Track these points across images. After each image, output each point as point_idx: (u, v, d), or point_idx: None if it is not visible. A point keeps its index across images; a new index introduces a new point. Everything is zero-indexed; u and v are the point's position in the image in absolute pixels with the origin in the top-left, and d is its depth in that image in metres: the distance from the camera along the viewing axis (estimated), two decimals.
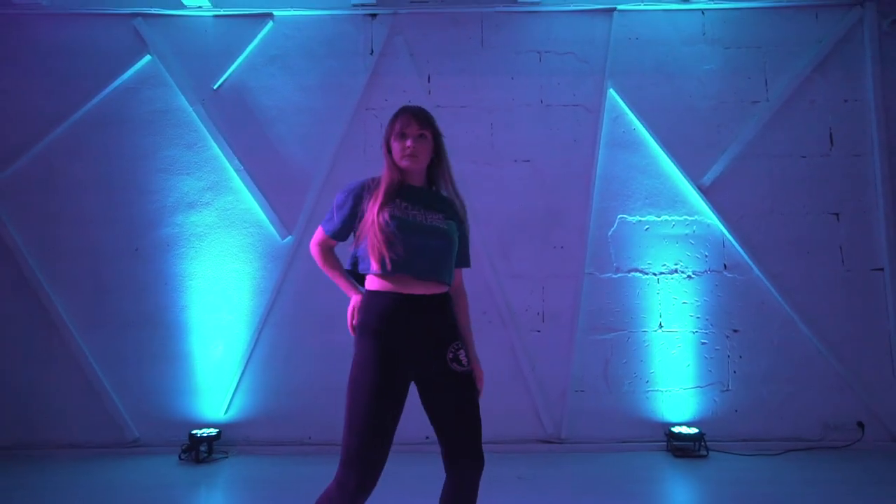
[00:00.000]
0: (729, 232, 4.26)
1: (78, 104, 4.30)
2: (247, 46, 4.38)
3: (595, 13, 4.41)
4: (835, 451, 4.01)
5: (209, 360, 4.20)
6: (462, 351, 1.96)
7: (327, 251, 2.15)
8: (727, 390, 4.18)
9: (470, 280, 2.30)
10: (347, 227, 2.05)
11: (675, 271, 4.28)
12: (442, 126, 4.53)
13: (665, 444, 4.06)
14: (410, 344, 1.90)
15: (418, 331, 1.91)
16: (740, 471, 3.66)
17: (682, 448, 3.95)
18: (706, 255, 4.28)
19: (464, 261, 2.13)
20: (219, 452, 4.02)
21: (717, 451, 3.98)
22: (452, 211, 2.08)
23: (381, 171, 2.06)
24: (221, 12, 4.39)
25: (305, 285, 4.23)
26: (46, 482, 3.52)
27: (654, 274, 4.27)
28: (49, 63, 4.34)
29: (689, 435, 3.94)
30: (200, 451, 3.91)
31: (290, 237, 4.28)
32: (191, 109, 4.34)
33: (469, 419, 1.90)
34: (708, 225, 4.29)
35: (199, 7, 4.35)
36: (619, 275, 4.27)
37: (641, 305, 4.25)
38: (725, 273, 4.27)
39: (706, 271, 4.27)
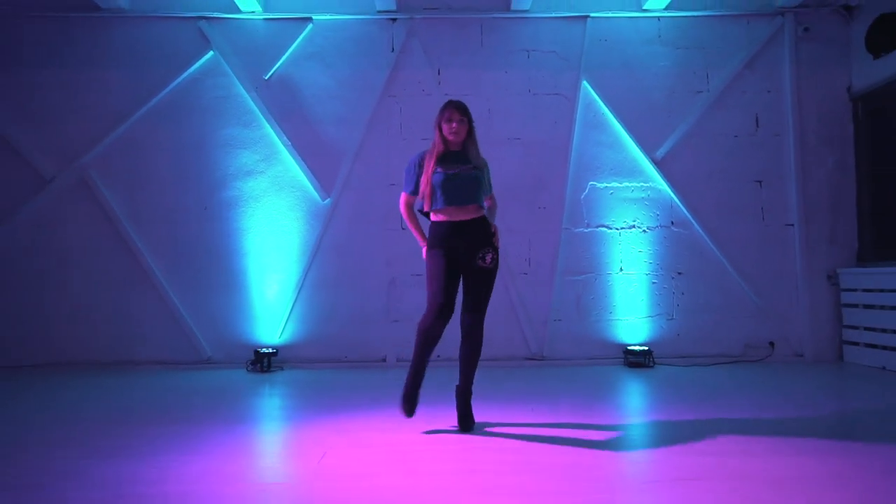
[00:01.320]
0: (676, 196, 5.41)
1: (155, 91, 5.33)
2: (291, 44, 5.40)
3: (572, 20, 5.48)
4: (751, 364, 5.22)
5: (266, 296, 5.30)
6: (489, 255, 3.04)
7: (410, 208, 3.24)
8: (672, 319, 5.37)
9: None
10: (418, 183, 3.14)
11: (633, 227, 5.43)
12: None
13: (622, 359, 5.25)
14: (456, 250, 3.04)
15: (461, 243, 3.04)
16: (678, 377, 4.80)
17: (635, 362, 5.13)
18: (658, 214, 5.43)
19: (489, 190, 3.24)
20: (275, 367, 5.14)
21: (662, 364, 5.18)
22: (477, 163, 3.14)
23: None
24: (270, 16, 5.40)
25: (342, 238, 5.33)
26: (141, 389, 4.53)
27: (617, 229, 5.42)
28: (130, 57, 5.34)
29: (641, 351, 5.13)
30: (263, 364, 5.02)
31: (328, 199, 5.36)
32: (247, 96, 5.37)
33: (480, 293, 3.05)
34: (659, 190, 5.43)
35: (252, 11, 5.36)
36: (589, 229, 5.41)
37: (606, 253, 5.41)
38: (672, 228, 5.43)
39: (657, 227, 5.43)
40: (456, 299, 3.05)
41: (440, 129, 3.10)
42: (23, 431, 3.16)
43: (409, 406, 3.02)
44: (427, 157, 3.12)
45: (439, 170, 3.04)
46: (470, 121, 3.13)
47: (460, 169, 3.05)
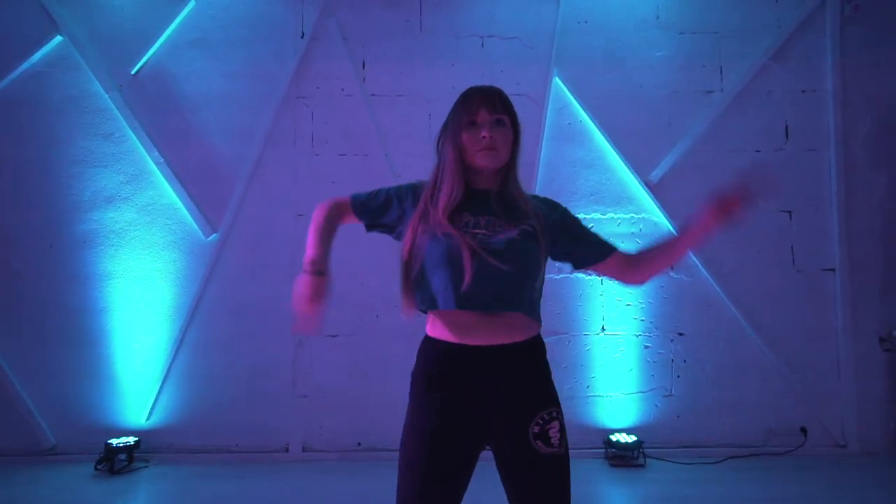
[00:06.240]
0: (677, 231, 4.08)
1: None
2: (167, 28, 4.08)
3: None
4: (777, 457, 3.92)
5: (131, 363, 4.01)
6: (555, 423, 1.51)
7: (335, 215, 1.61)
8: (669, 395, 4.06)
9: None
10: (378, 214, 1.63)
11: None
12: (377, 116, 4.31)
13: (603, 451, 3.95)
14: (478, 406, 1.50)
15: (488, 389, 1.50)
16: (677, 481, 3.56)
17: (619, 456, 3.83)
18: None
19: (605, 248, 1.68)
20: (139, 461, 3.86)
21: (656, 458, 3.87)
22: (532, 214, 1.57)
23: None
24: None
25: (234, 286, 4.03)
26: None
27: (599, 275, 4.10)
28: None
29: (627, 444, 3.81)
30: (119, 460, 3.74)
31: (214, 235, 4.05)
32: (107, 96, 4.06)
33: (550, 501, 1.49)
34: (655, 223, 4.11)
35: None
36: (561, 276, 4.09)
37: (584, 307, 4.09)
38: (672, 274, 4.10)
39: None
40: None
41: (457, 148, 1.56)
42: None
43: None
44: (428, 195, 1.58)
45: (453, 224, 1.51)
46: (515, 124, 1.61)
47: (504, 228, 1.53)
